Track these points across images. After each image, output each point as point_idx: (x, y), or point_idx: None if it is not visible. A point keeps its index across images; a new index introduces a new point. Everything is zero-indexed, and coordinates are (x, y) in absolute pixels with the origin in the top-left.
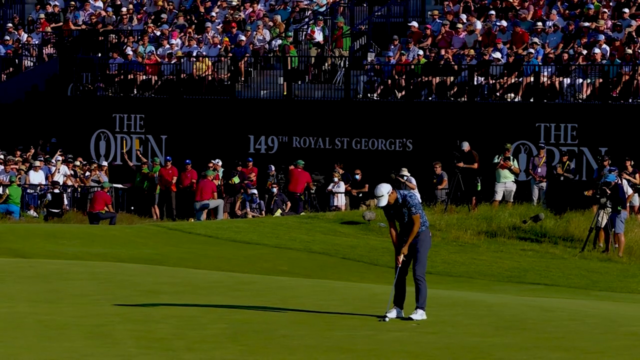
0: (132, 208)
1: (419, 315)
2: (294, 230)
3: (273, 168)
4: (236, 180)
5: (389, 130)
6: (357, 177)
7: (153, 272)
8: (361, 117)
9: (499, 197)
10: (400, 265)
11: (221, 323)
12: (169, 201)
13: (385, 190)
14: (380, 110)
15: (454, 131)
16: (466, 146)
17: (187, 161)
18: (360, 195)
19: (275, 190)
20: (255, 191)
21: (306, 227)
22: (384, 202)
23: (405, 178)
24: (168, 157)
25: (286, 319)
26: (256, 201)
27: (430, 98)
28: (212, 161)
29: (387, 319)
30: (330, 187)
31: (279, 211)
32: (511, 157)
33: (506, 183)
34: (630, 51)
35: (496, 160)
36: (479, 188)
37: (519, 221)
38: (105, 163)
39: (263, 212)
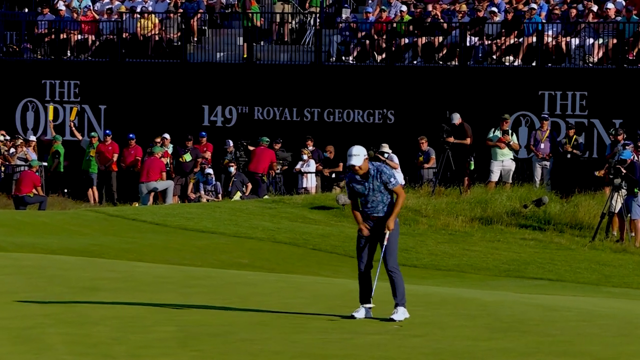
0: (66, 191)
1: (401, 314)
2: (256, 217)
3: (231, 144)
4: (188, 158)
5: (367, 99)
6: (329, 154)
7: (90, 265)
8: (335, 84)
9: (495, 177)
10: (363, 248)
11: (170, 325)
12: (108, 182)
13: (362, 150)
14: (356, 76)
15: (444, 101)
16: (457, 118)
17: (131, 135)
18: (334, 175)
19: (233, 169)
20: (210, 171)
21: (270, 213)
22: (358, 160)
23: (386, 155)
24: (107, 131)
25: (247, 320)
26: (211, 182)
27: (415, 62)
28: (160, 136)
29: (355, 317)
30: (298, 167)
31: (238, 194)
32: (510, 131)
33: (504, 161)
34: None
35: (492, 135)
36: (472, 167)
37: (518, 205)
38: (33, 138)
39: (220, 196)
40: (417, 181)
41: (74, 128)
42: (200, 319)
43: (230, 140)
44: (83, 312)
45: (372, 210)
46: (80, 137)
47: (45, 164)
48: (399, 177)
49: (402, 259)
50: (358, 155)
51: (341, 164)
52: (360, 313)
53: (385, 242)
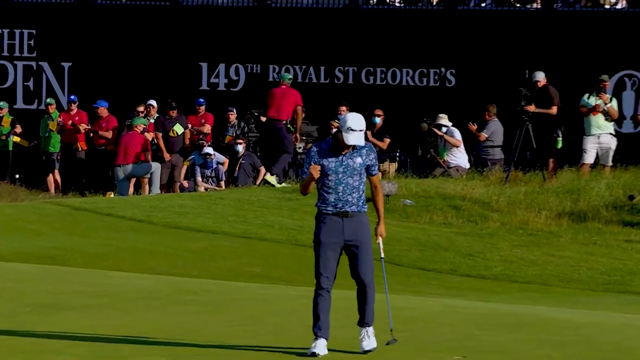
0: (17, 176)
1: (373, 338)
2: (271, 211)
3: (235, 112)
4: (178, 130)
5: (418, 55)
6: (379, 119)
7: (50, 275)
8: (375, 34)
9: (590, 158)
10: (327, 257)
11: (155, 356)
12: (74, 165)
13: (364, 125)
14: (405, 23)
15: (521, 57)
16: (541, 78)
17: (103, 103)
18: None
19: (241, 148)
20: (210, 150)
21: (290, 206)
22: (360, 140)
23: (444, 130)
24: (73, 97)
25: (258, 349)
26: (211, 165)
27: (483, 5)
28: (144, 103)
29: (317, 354)
30: None
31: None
32: (610, 96)
33: (601, 137)
34: None
35: (586, 101)
36: (560, 145)
37: (622, 196)
38: None
39: (222, 183)
40: (481, 164)
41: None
42: (196, 350)
43: (234, 108)
44: (41, 337)
45: (342, 201)
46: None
47: None
48: (463, 158)
49: (466, 267)
50: (362, 133)
51: (387, 140)
52: (320, 347)
53: (382, 254)
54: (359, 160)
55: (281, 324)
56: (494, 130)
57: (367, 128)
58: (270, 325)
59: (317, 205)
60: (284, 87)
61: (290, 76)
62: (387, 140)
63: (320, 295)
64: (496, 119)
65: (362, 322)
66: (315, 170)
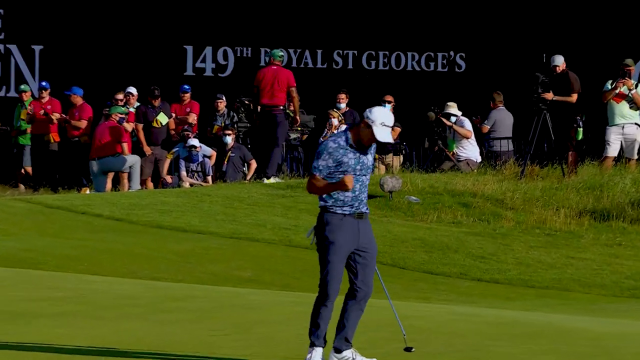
0: None
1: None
2: (263, 209)
3: (224, 100)
4: (163, 120)
5: (425, 37)
6: (388, 107)
7: (21, 280)
8: (377, 15)
9: (614, 151)
10: (340, 261)
11: None
12: (46, 159)
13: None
14: (409, 2)
15: (537, 38)
16: (560, 63)
17: (77, 90)
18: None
19: (230, 140)
20: (196, 142)
21: (284, 204)
22: (390, 136)
23: (453, 120)
24: (44, 83)
25: None
26: (197, 159)
27: None
28: (123, 90)
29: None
30: (325, 134)
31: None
32: (635, 82)
33: (625, 127)
34: None
35: (609, 88)
36: (581, 136)
37: None
38: None
39: (209, 178)
40: (494, 157)
41: None
42: None
43: (222, 95)
44: (12, 349)
45: (358, 201)
46: None
47: None
48: (474, 150)
49: (478, 271)
50: (390, 130)
51: (397, 129)
52: (317, 357)
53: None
54: (370, 157)
55: (274, 333)
56: (498, 120)
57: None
58: (262, 334)
59: (326, 205)
60: (275, 67)
61: (282, 53)
62: (398, 130)
63: (325, 306)
64: (502, 108)
65: (348, 340)
66: (351, 181)
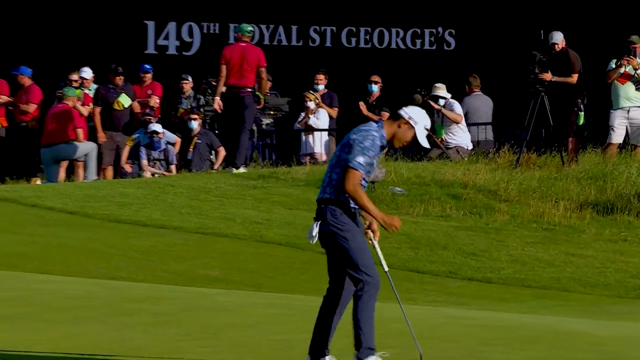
0: None
1: None
2: (233, 201)
3: (189, 81)
4: (125, 102)
5: (410, 12)
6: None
7: None
8: None
9: (619, 137)
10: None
11: None
12: None
13: None
14: None
15: (534, 13)
16: (559, 40)
17: (25, 70)
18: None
19: (196, 125)
20: (158, 127)
21: (255, 196)
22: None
23: (441, 102)
24: None
25: None
26: (159, 146)
27: None
28: (77, 71)
29: None
30: (301, 120)
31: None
32: None
33: (631, 111)
34: None
35: (613, 67)
36: (582, 121)
37: None
38: None
39: (173, 167)
40: (486, 143)
41: None
42: None
43: (188, 75)
44: None
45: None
46: None
47: None
48: (464, 136)
49: (469, 269)
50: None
51: (385, 114)
52: None
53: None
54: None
55: (244, 338)
56: (472, 108)
57: (362, 97)
58: (232, 339)
59: (338, 198)
60: (244, 44)
61: (251, 28)
62: (386, 115)
63: (374, 297)
64: (478, 93)
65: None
66: (398, 224)
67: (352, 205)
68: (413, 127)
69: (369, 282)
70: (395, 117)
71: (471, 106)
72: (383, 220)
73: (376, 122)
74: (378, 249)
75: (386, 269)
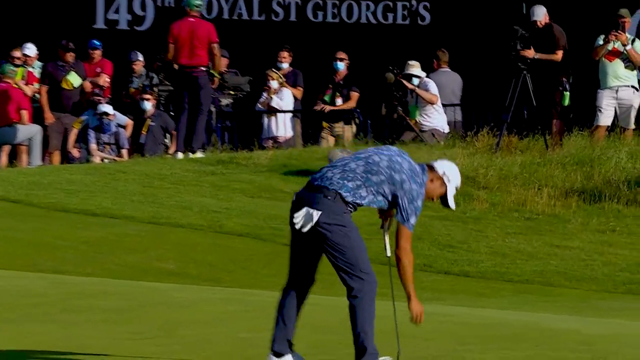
0: None
1: None
2: (189, 189)
3: (141, 58)
4: (75, 81)
5: None
6: (342, 66)
7: None
8: None
9: (606, 119)
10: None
11: None
12: None
13: None
14: None
15: None
16: (541, 16)
17: None
18: (325, 111)
19: (149, 106)
20: (108, 109)
21: (213, 182)
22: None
23: (415, 82)
24: None
25: None
26: (109, 129)
27: None
28: (19, 47)
29: None
30: (263, 100)
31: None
32: (631, 37)
33: (620, 90)
34: None
35: (600, 43)
36: (567, 101)
37: None
38: None
39: (125, 152)
40: (468, 127)
41: None
42: None
43: (139, 53)
44: None
45: None
46: None
47: None
48: (440, 119)
49: (445, 262)
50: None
51: (355, 94)
52: None
53: None
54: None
55: (202, 336)
56: (439, 85)
57: (328, 76)
58: (188, 337)
59: (347, 197)
60: (193, 19)
61: (200, 2)
62: (356, 95)
63: (374, 296)
64: (446, 70)
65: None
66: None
67: (351, 205)
68: (445, 184)
69: (368, 282)
70: (430, 168)
71: (437, 83)
72: (415, 303)
73: (422, 168)
74: (387, 238)
75: (389, 254)
